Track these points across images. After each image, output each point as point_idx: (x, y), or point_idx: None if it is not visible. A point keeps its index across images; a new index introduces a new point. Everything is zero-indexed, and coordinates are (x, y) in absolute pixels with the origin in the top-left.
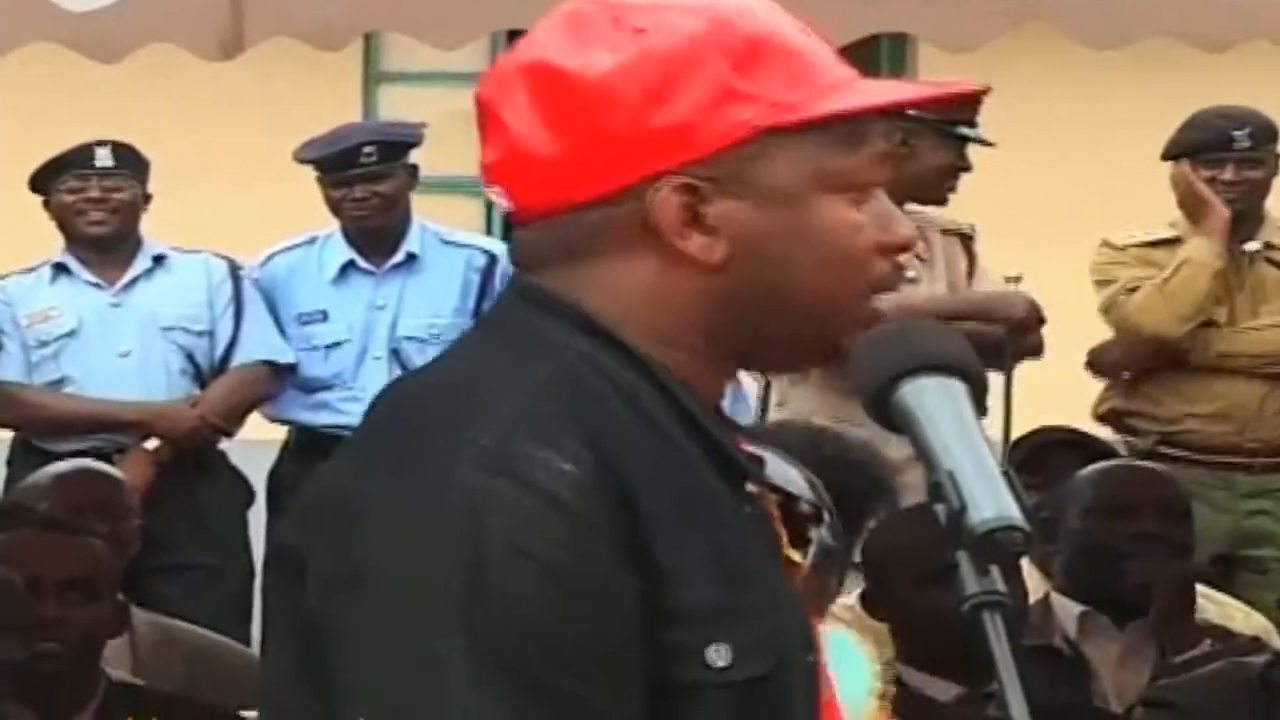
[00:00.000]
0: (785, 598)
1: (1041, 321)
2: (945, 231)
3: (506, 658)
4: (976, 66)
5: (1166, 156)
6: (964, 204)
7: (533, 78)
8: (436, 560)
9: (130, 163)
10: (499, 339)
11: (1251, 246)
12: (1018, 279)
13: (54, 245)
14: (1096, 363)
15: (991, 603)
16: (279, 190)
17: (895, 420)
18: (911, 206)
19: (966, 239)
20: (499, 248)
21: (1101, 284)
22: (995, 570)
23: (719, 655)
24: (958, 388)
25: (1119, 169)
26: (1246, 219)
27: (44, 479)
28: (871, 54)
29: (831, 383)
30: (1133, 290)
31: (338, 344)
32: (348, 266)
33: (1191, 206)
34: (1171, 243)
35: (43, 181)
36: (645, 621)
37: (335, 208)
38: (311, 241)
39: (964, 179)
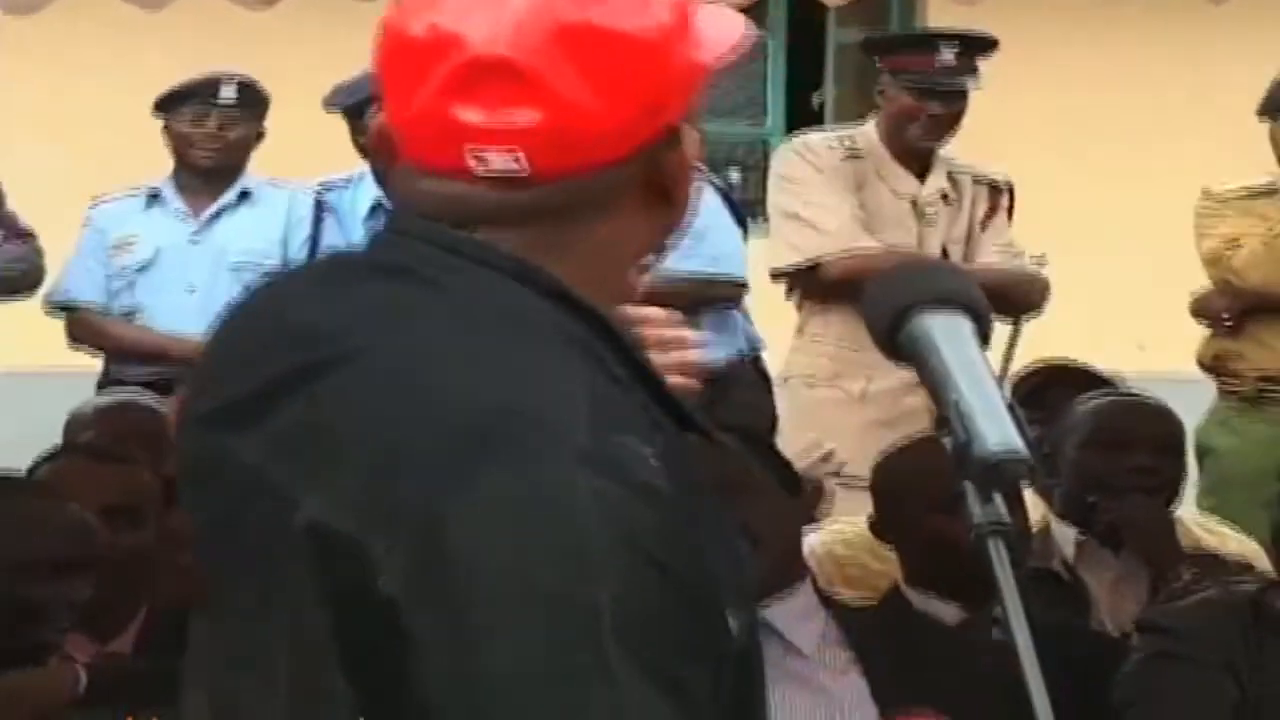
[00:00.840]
0: (739, 546)
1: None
2: (977, 180)
3: (644, 655)
4: (984, 17)
5: (1262, 113)
6: (981, 146)
7: (581, 39)
8: (560, 567)
9: (252, 101)
10: (474, 305)
11: None
12: (1042, 258)
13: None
14: (1204, 307)
15: (996, 530)
16: (316, 133)
17: (903, 354)
18: (951, 154)
19: (995, 189)
20: None
21: (1204, 235)
22: (999, 499)
23: (734, 623)
24: (964, 324)
25: (1126, 118)
26: None
27: (87, 410)
28: (883, 2)
29: (853, 309)
30: (1237, 244)
31: None
32: (377, 206)
33: None
34: (1272, 193)
35: (166, 106)
36: None
37: (363, 152)
38: (346, 184)
39: (986, 125)
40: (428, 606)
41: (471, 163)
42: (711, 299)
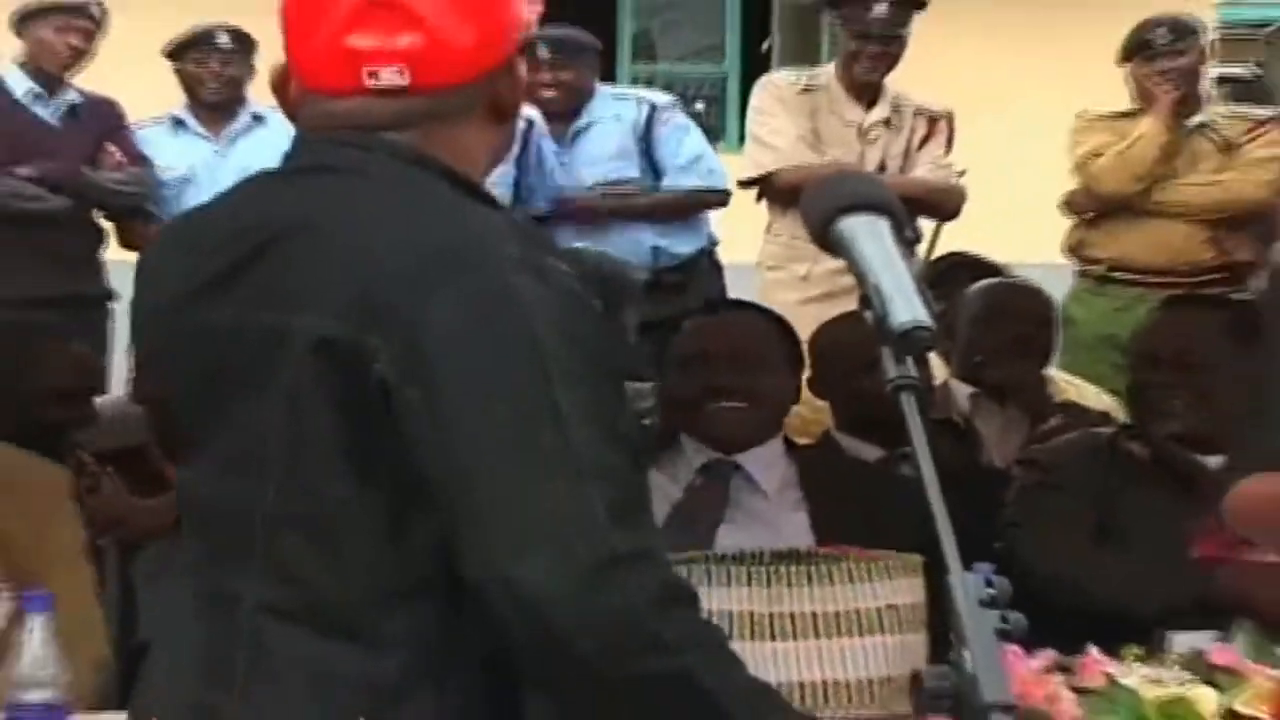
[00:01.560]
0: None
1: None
2: (918, 111)
3: (589, 410)
4: None
5: (1120, 61)
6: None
7: None
8: (513, 348)
9: (243, 44)
10: (398, 184)
11: (1191, 123)
12: (962, 173)
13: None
14: (1071, 204)
15: (907, 385)
16: None
17: (835, 247)
18: (896, 89)
19: (934, 119)
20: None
21: (1075, 145)
22: (910, 360)
23: (643, 398)
24: (883, 223)
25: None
26: (1188, 100)
27: None
28: None
29: None
30: (1098, 156)
31: None
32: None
33: (1144, 96)
34: (1136, 114)
35: (175, 53)
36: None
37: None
38: None
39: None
40: (413, 382)
41: (366, 79)
42: (706, 206)
